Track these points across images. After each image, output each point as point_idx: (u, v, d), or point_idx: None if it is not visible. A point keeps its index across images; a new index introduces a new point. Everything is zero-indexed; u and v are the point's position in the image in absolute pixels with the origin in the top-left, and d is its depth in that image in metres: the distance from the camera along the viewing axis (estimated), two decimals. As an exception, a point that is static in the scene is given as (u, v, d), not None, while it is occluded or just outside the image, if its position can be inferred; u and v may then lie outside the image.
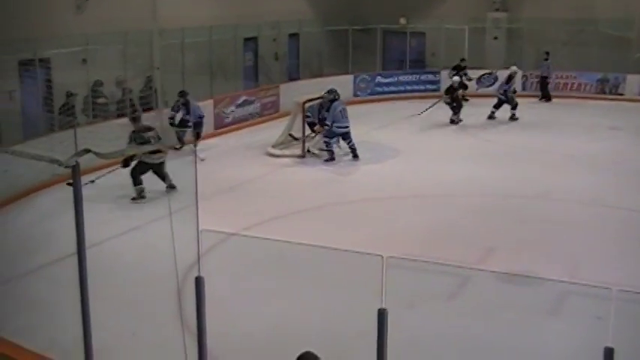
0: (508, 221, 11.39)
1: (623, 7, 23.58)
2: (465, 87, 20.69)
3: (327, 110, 15.55)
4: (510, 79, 20.50)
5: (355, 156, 15.56)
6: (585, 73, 24.16)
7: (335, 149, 15.53)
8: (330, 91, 15.88)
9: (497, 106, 20.25)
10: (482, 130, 18.93)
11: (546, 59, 23.24)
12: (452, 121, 19.62)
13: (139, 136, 12.56)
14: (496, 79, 23.45)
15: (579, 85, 24.32)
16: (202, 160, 14.82)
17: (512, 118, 20.14)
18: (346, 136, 15.70)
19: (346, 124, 15.66)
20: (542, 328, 7.64)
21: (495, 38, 25.65)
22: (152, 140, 12.59)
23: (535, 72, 24.12)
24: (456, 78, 20.09)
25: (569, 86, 24.21)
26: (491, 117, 20.25)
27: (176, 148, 15.79)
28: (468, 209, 12.07)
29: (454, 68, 22.56)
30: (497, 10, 25.71)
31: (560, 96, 23.47)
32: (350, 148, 15.67)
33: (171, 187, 12.59)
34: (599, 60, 23.83)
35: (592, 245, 10.27)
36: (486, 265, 9.24)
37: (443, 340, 7.42)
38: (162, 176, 12.70)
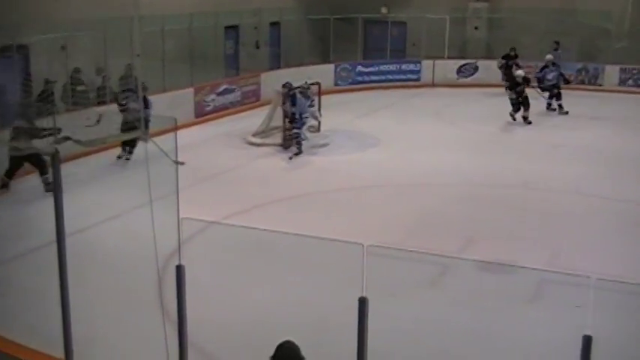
0: (488, 210, 11.45)
1: (603, -1, 23.77)
2: (529, 80, 19.12)
3: (293, 104, 15.43)
4: (543, 68, 20.04)
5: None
6: (565, 64, 24.24)
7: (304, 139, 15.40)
8: (285, 85, 15.80)
9: (551, 97, 19.91)
10: (464, 119, 18.95)
11: (556, 49, 22.60)
12: (512, 117, 18.53)
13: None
14: (476, 69, 23.56)
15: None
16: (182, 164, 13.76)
17: (560, 110, 19.70)
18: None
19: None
20: (521, 315, 7.71)
21: (476, 28, 25.71)
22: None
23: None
24: (520, 72, 18.89)
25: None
26: (548, 108, 19.91)
27: (119, 157, 14.28)
28: (448, 198, 12.11)
29: (504, 57, 21.93)
30: (478, 0, 25.76)
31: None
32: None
33: (45, 184, 11.87)
34: (579, 50, 24.01)
35: (572, 234, 10.36)
36: (467, 253, 9.29)
37: (424, 328, 7.45)
38: (39, 170, 12.16)
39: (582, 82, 24.07)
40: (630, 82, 23.79)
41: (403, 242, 9.31)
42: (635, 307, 7.39)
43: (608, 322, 6.60)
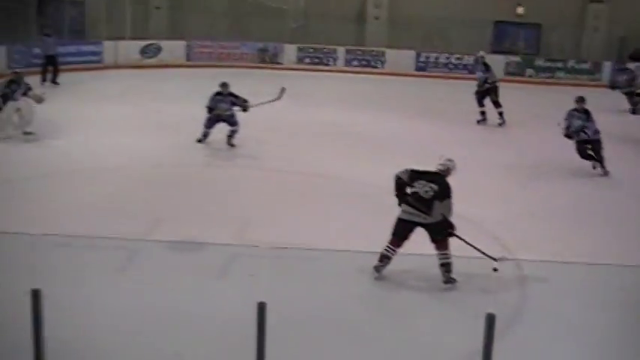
0: (177, 190, 11.48)
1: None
2: None
3: None
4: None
5: None
6: (247, 43, 25.14)
7: None
8: None
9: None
10: (149, 100, 18.67)
11: None
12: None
13: None
14: (159, 49, 23.44)
15: (242, 54, 25.21)
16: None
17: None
18: None
19: None
20: (208, 290, 7.84)
21: (158, 8, 25.62)
22: None
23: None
24: None
25: (232, 56, 25.00)
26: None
27: None
28: (137, 181, 11.92)
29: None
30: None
31: (224, 65, 23.87)
32: None
33: None
34: (259, 30, 24.99)
35: (258, 207, 10.70)
36: (155, 235, 9.22)
37: (116, 312, 7.28)
38: None
39: (264, 61, 25.15)
40: (307, 60, 25.33)
41: (89, 230, 9.00)
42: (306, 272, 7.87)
43: (281, 287, 6.94)
